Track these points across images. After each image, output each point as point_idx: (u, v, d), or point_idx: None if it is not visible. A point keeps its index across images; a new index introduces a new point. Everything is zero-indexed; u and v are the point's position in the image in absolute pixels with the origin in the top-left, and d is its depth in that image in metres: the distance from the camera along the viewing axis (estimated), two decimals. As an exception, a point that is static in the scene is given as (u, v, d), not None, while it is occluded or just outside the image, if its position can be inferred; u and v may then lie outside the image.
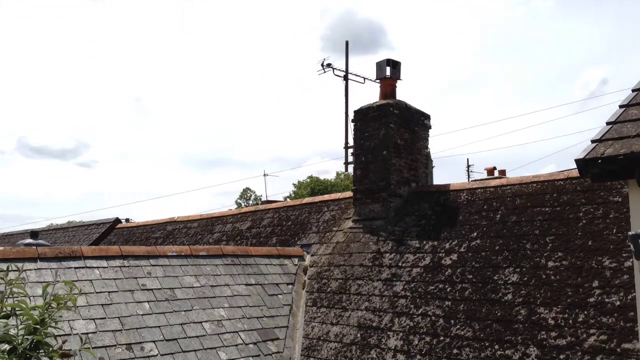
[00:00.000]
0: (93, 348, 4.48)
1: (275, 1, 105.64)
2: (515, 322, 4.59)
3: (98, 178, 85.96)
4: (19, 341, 2.50)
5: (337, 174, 43.00)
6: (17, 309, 2.57)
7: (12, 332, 2.54)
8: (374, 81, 9.36)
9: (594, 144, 3.61)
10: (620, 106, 3.92)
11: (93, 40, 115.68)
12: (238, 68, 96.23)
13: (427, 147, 7.54)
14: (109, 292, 5.10)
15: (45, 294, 2.68)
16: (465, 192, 6.34)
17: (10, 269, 2.71)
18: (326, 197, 8.39)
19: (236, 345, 5.30)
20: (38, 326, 2.55)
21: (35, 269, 4.89)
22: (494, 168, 17.81)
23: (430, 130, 7.57)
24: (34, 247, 5.22)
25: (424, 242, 6.01)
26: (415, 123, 7.31)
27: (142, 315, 5.06)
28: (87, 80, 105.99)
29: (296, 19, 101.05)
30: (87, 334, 4.53)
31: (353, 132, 7.56)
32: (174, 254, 5.98)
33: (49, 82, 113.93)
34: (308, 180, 44.13)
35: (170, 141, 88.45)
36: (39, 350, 2.53)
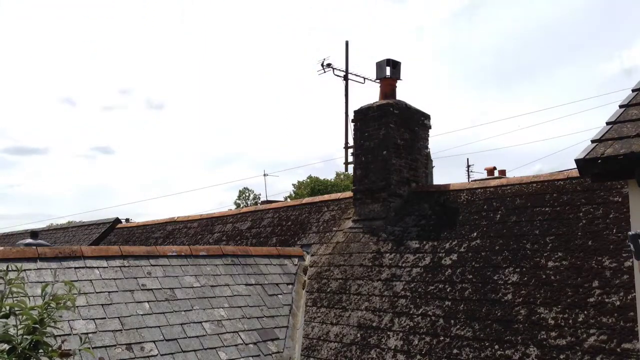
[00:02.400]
0: (93, 348, 4.48)
1: (276, 1, 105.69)
2: (515, 322, 4.59)
3: (96, 177, 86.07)
4: (19, 341, 2.50)
5: (337, 174, 43.07)
6: (16, 308, 2.57)
7: (12, 331, 2.54)
8: (374, 81, 9.35)
9: (594, 144, 3.61)
10: (620, 106, 3.92)
11: (93, 40, 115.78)
12: (238, 68, 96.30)
13: (427, 147, 7.54)
14: (109, 292, 5.10)
15: (44, 294, 2.68)
16: (465, 192, 6.34)
17: (9, 268, 2.71)
18: (326, 197, 8.40)
19: (236, 345, 5.30)
20: (37, 326, 2.55)
21: (35, 269, 4.89)
22: (494, 168, 17.84)
23: (430, 130, 7.57)
24: (34, 247, 5.22)
25: (424, 242, 6.01)
26: (415, 123, 7.31)
27: (142, 315, 5.05)
28: (84, 80, 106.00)
29: (296, 19, 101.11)
30: (87, 334, 4.53)
31: (353, 132, 7.55)
32: (174, 254, 5.98)
33: (51, 82, 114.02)
34: (308, 180, 44.18)
35: (171, 140, 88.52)
36: (39, 349, 2.53)
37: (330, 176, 44.34)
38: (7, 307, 2.58)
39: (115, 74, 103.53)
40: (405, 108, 7.20)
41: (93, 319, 4.74)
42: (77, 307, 4.64)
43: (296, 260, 7.02)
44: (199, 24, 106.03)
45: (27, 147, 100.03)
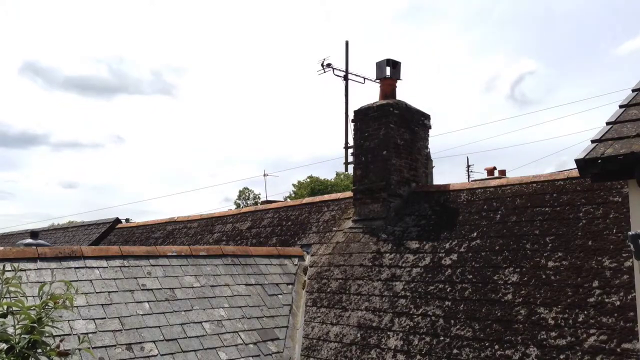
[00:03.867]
0: (93, 348, 4.48)
1: (276, 1, 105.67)
2: (515, 322, 4.59)
3: (92, 180, 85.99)
4: (17, 340, 2.49)
5: (337, 174, 43.04)
6: (14, 308, 2.56)
7: (10, 331, 2.54)
8: (374, 81, 9.35)
9: (594, 144, 3.61)
10: (620, 106, 3.92)
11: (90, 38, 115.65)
12: (237, 68, 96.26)
13: (427, 147, 7.54)
14: (109, 292, 5.10)
15: (42, 294, 2.68)
16: (465, 192, 6.33)
17: (6, 268, 2.70)
18: (326, 197, 8.39)
19: (236, 345, 5.29)
20: (35, 325, 2.55)
21: (35, 269, 4.89)
22: (494, 168, 17.84)
23: (430, 130, 7.57)
24: (34, 247, 5.21)
25: (424, 242, 6.01)
26: (415, 123, 7.31)
27: (142, 315, 5.05)
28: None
29: (297, 18, 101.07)
30: (87, 334, 4.53)
31: (353, 132, 7.55)
32: (174, 254, 5.98)
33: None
34: (308, 180, 44.18)
35: (171, 141, 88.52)
36: (37, 349, 2.53)
37: (330, 176, 44.33)
38: (5, 307, 2.57)
39: (125, 61, 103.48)
40: (405, 108, 7.20)
41: (93, 319, 4.74)
42: (77, 307, 4.64)
43: (296, 260, 7.02)
44: (198, 24, 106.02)
45: (27, 135, 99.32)
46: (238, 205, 47.34)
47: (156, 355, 4.74)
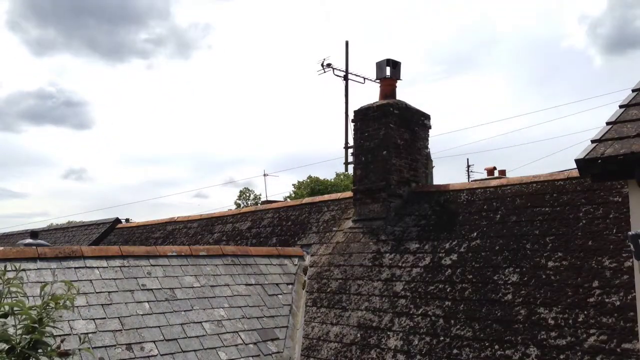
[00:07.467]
0: (93, 348, 4.48)
1: (277, 1, 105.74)
2: (515, 322, 4.59)
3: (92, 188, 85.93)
4: (17, 340, 2.49)
5: (337, 174, 43.00)
6: (15, 308, 2.56)
7: (11, 331, 2.54)
8: (374, 81, 9.36)
9: (594, 144, 3.62)
10: (620, 106, 3.93)
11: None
12: (237, 68, 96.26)
13: (427, 147, 7.54)
14: (109, 292, 5.10)
15: (43, 294, 2.68)
16: (465, 192, 6.33)
17: (7, 268, 2.70)
18: (326, 197, 8.39)
19: (236, 345, 5.29)
20: (36, 325, 2.55)
21: (35, 269, 4.89)
22: (494, 168, 17.83)
23: (430, 130, 7.57)
24: (34, 247, 5.21)
25: (424, 242, 6.01)
26: (415, 123, 7.31)
27: (142, 315, 5.05)
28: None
29: (297, 18, 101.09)
30: (87, 334, 4.53)
31: (353, 132, 7.55)
32: (174, 254, 5.98)
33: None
34: (308, 180, 44.13)
35: (170, 140, 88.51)
36: (38, 349, 2.53)
37: (330, 176, 44.27)
38: (6, 307, 2.57)
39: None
40: (405, 108, 7.20)
41: (93, 319, 4.74)
42: (77, 307, 4.65)
43: (296, 260, 7.01)
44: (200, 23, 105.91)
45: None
46: (238, 206, 47.30)
47: (156, 355, 4.73)
